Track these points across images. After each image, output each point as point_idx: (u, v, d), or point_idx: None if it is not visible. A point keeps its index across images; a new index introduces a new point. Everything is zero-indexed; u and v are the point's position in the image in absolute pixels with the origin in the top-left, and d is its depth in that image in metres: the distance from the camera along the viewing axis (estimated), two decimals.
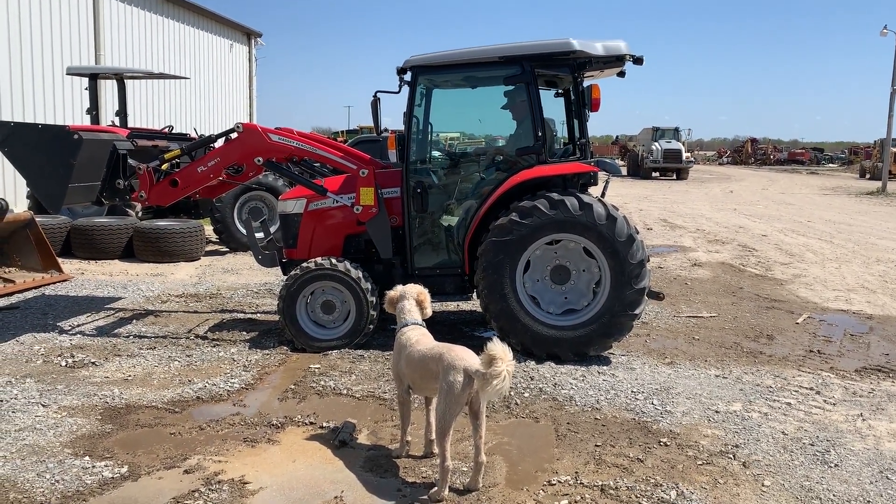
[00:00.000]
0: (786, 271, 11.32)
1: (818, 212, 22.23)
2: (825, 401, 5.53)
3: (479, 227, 6.50)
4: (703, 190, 32.21)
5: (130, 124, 13.21)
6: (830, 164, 71.86)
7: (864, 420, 5.15)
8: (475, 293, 6.63)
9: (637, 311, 6.25)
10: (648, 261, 6.37)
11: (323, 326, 6.64)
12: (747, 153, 74.02)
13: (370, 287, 6.50)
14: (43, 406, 5.13)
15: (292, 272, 6.61)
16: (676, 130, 42.53)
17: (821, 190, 34.42)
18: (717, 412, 5.22)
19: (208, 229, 12.68)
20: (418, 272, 6.74)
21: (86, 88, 13.03)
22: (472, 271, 6.51)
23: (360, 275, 6.48)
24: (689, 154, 43.75)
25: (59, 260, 9.30)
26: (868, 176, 43.45)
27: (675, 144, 40.04)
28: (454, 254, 6.83)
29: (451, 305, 8.30)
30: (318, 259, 6.56)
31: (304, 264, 6.56)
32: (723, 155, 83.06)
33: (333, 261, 6.51)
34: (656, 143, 40.21)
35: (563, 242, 6.36)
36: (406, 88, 6.62)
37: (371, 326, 6.55)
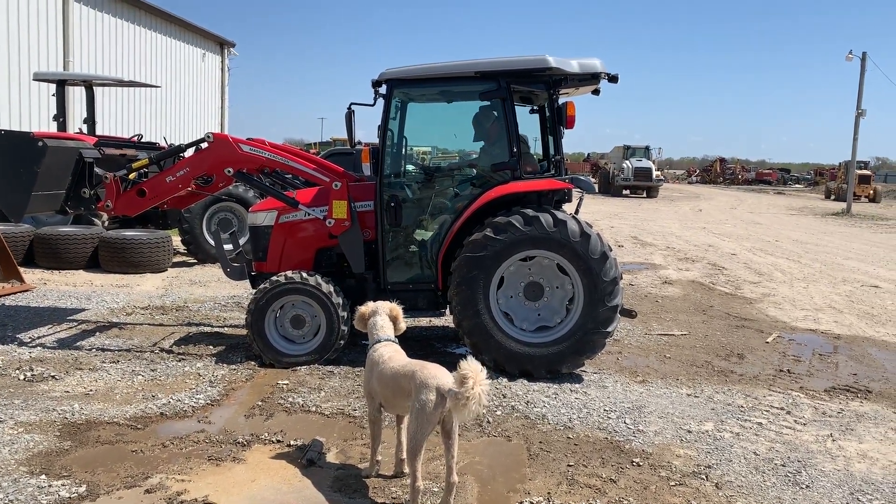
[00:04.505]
0: (755, 290, 11.44)
1: (785, 231, 22.60)
2: (796, 421, 5.55)
3: (453, 242, 6.45)
4: (672, 208, 32.58)
5: (99, 132, 12.97)
6: (797, 185, 73.27)
7: (833, 441, 5.17)
8: (448, 309, 6.57)
9: (610, 329, 6.24)
10: (621, 278, 6.37)
11: (292, 341, 6.52)
12: (716, 172, 75.19)
13: (341, 302, 6.40)
14: None
15: (261, 285, 6.48)
16: (647, 149, 43.15)
17: (787, 210, 35.04)
18: (689, 432, 5.20)
19: (176, 240, 12.48)
20: (391, 287, 6.67)
21: (53, 95, 12.75)
22: (446, 287, 6.45)
23: (332, 289, 6.39)
24: (659, 172, 44.28)
25: (21, 269, 9.05)
26: (833, 197, 44.38)
27: (645, 163, 40.54)
28: (427, 269, 6.77)
29: (424, 321, 8.22)
30: (289, 272, 6.45)
31: (274, 278, 6.45)
32: (692, 174, 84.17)
33: (304, 274, 6.40)
34: (627, 162, 40.68)
35: (537, 259, 6.33)
36: (381, 101, 6.58)
37: (342, 342, 6.45)
